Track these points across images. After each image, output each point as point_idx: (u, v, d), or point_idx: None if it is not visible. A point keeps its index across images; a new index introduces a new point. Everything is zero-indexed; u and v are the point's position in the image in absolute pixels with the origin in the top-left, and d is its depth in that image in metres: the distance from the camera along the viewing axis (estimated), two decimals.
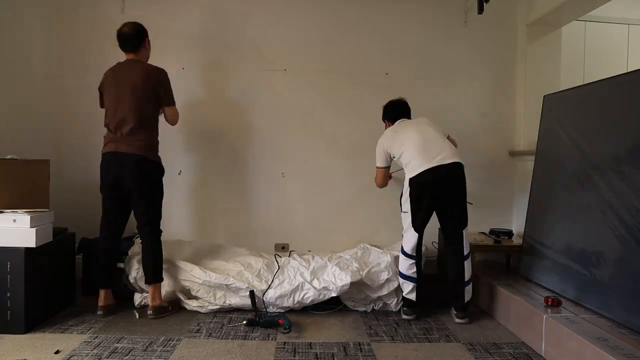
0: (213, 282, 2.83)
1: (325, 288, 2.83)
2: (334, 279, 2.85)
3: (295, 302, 2.84)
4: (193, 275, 2.85)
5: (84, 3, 3.46)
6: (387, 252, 3.00)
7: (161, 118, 2.94)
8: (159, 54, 3.48)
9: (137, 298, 2.87)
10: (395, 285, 2.87)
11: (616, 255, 2.28)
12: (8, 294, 2.41)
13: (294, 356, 2.28)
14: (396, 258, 2.93)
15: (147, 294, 2.85)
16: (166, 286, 2.89)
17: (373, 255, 2.99)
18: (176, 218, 3.50)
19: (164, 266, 2.86)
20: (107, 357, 2.21)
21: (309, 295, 2.83)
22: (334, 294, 2.83)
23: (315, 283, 2.85)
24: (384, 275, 2.87)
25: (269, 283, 2.85)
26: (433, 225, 3.49)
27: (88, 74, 3.48)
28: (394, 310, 2.94)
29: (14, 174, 2.59)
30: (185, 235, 3.45)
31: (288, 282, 2.87)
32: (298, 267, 2.95)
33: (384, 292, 2.89)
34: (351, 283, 2.81)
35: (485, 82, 3.69)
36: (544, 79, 3.56)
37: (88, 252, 3.09)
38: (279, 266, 2.97)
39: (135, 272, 2.89)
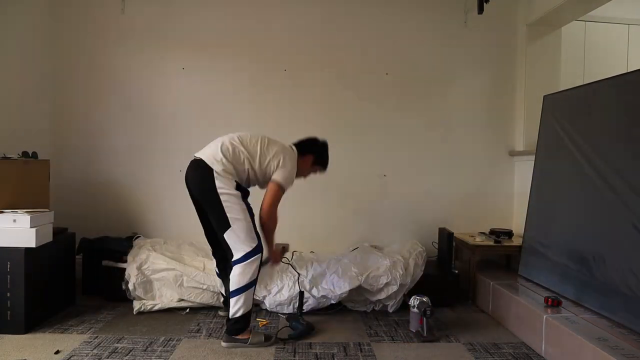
0: (218, 289, 2.83)
1: (324, 296, 2.84)
2: (333, 287, 2.85)
3: (295, 309, 2.84)
4: (196, 281, 2.85)
5: (84, 3, 3.46)
6: (386, 256, 2.99)
7: None
8: (159, 54, 3.49)
9: (136, 305, 2.82)
10: (395, 289, 2.87)
11: (616, 255, 2.28)
12: (8, 294, 2.41)
13: (294, 356, 2.28)
14: (395, 262, 2.92)
15: (145, 301, 2.83)
16: (166, 296, 2.88)
17: (372, 259, 2.98)
18: (177, 219, 3.50)
19: (173, 273, 2.87)
20: (107, 357, 2.21)
21: (309, 303, 2.84)
22: (332, 302, 2.85)
23: (314, 291, 2.85)
24: (383, 280, 2.86)
25: (269, 289, 2.88)
26: (433, 224, 3.52)
27: (88, 74, 3.48)
28: (390, 311, 2.94)
29: (14, 174, 2.59)
30: (185, 236, 3.44)
31: (287, 289, 2.87)
32: (297, 275, 2.94)
33: (383, 295, 2.89)
34: (351, 289, 2.82)
35: (485, 82, 3.69)
36: (544, 79, 3.56)
37: (88, 252, 3.09)
38: (295, 271, 2.95)
39: (135, 279, 2.82)
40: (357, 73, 3.59)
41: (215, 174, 2.31)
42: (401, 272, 2.88)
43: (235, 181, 2.37)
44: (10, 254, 2.41)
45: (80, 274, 3.09)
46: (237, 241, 2.33)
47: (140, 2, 3.49)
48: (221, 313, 2.81)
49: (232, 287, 2.32)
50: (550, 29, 3.58)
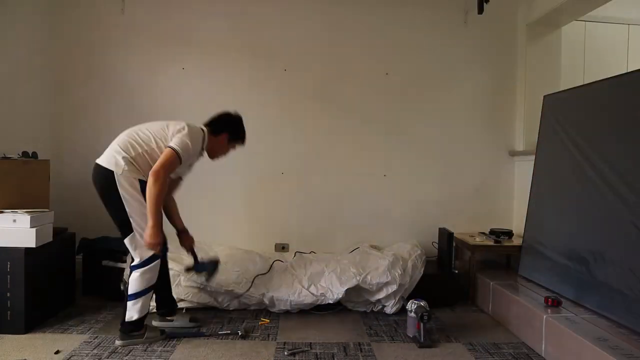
0: (214, 288, 2.84)
1: (322, 294, 2.84)
2: (331, 285, 2.86)
3: (293, 305, 2.85)
4: (193, 280, 2.85)
5: (84, 3, 3.46)
6: (385, 256, 2.98)
7: None
8: (159, 54, 3.49)
9: None
10: (394, 288, 2.87)
11: (616, 255, 2.28)
12: (8, 294, 2.41)
13: (294, 356, 2.28)
14: (392, 262, 2.92)
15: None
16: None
17: (372, 260, 2.98)
18: None
19: (170, 273, 2.86)
20: (107, 357, 2.21)
21: (307, 301, 2.84)
22: (330, 301, 2.85)
23: (313, 289, 2.86)
24: (383, 279, 2.86)
25: (249, 286, 2.89)
26: (432, 224, 3.52)
27: (88, 74, 3.48)
28: (389, 312, 2.93)
29: (14, 174, 2.59)
30: None
31: (285, 287, 2.87)
32: (295, 273, 2.95)
33: (382, 295, 2.89)
34: (348, 288, 2.82)
35: (485, 82, 3.69)
36: (544, 79, 3.56)
37: (88, 252, 3.09)
38: (270, 267, 2.99)
39: None
40: (357, 73, 3.59)
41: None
42: (400, 272, 2.88)
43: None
44: (10, 254, 2.41)
45: (80, 274, 3.09)
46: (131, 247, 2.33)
47: (140, 2, 3.48)
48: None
49: (129, 291, 2.33)
50: (550, 29, 3.58)
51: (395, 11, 3.60)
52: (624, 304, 2.18)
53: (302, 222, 3.57)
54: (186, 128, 2.39)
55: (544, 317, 2.33)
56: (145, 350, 2.29)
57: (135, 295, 2.32)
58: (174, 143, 2.30)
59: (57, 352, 2.23)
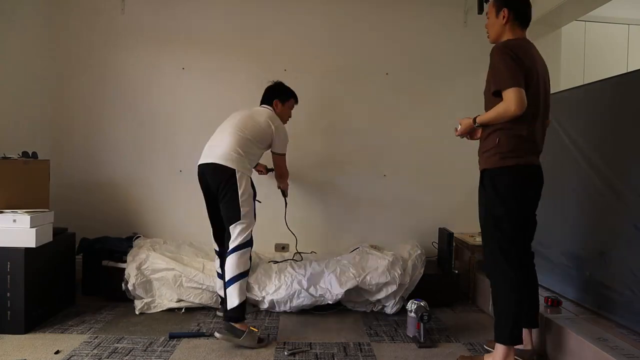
0: (216, 290, 2.84)
1: (321, 295, 2.84)
2: (330, 286, 2.86)
3: (292, 306, 2.85)
4: (195, 281, 2.85)
5: (84, 3, 3.46)
6: (385, 257, 2.98)
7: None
8: (159, 54, 3.49)
9: (138, 304, 2.83)
10: (394, 288, 2.87)
11: (616, 255, 2.28)
12: (8, 294, 2.41)
13: (294, 356, 2.28)
14: (392, 262, 2.92)
15: (146, 300, 2.83)
16: (165, 296, 2.89)
17: (371, 260, 2.97)
18: (177, 219, 3.50)
19: (172, 273, 2.88)
20: (107, 357, 2.21)
21: (305, 302, 2.84)
22: (329, 302, 2.85)
23: (312, 290, 2.86)
24: (382, 279, 2.86)
25: (263, 292, 2.88)
26: (433, 224, 3.52)
27: (88, 73, 3.48)
28: (389, 313, 2.93)
29: (14, 174, 2.59)
30: (185, 236, 3.44)
31: (285, 288, 2.87)
32: (295, 274, 2.95)
33: (382, 295, 2.89)
34: (348, 289, 2.82)
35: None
36: None
37: (88, 252, 3.09)
38: (275, 272, 2.99)
39: (135, 279, 2.82)
40: (357, 73, 3.58)
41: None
42: (400, 272, 2.88)
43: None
44: (10, 254, 2.41)
45: (80, 274, 3.09)
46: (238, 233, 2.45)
47: (140, 2, 3.48)
48: (219, 314, 2.80)
49: (228, 276, 2.39)
50: (550, 29, 3.57)
51: (395, 11, 3.60)
52: (624, 304, 2.18)
53: (302, 222, 3.57)
54: (278, 125, 2.69)
55: (544, 317, 2.33)
56: (145, 350, 2.29)
57: (235, 279, 2.37)
58: (280, 149, 2.75)
59: (57, 352, 2.23)
